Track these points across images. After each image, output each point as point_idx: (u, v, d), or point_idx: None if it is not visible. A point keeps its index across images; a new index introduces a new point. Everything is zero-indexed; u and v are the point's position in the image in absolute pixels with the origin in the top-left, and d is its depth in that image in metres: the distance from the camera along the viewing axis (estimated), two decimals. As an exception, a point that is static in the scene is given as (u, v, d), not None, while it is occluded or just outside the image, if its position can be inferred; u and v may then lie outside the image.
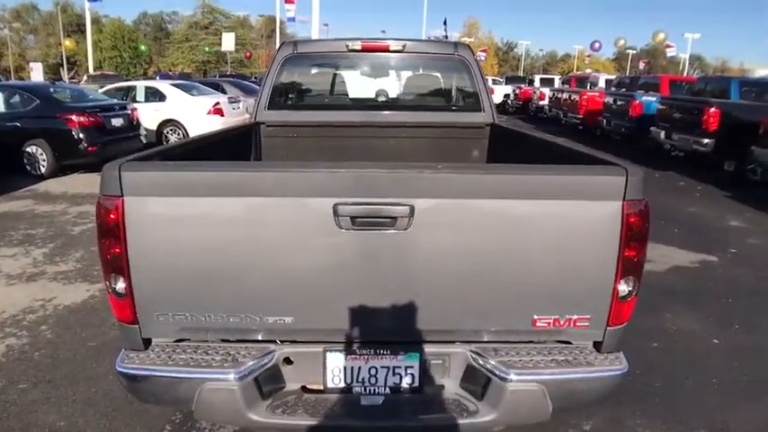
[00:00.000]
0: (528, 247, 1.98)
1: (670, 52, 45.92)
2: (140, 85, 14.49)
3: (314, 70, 4.72)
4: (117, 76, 30.58)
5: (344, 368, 2.11)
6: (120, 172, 1.90)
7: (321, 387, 2.15)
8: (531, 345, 2.16)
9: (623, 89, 18.27)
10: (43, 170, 9.95)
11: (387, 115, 4.42)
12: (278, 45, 4.69)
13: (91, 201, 8.44)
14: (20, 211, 7.84)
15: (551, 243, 1.97)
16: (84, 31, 37.90)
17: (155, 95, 13.67)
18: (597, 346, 2.16)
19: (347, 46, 4.16)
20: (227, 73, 39.74)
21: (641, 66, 52.87)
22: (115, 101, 11.76)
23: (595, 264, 2.00)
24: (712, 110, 10.36)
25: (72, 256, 5.90)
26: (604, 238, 1.97)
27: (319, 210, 1.89)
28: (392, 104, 4.67)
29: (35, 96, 10.16)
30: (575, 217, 1.96)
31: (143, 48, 49.85)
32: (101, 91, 13.60)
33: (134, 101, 13.13)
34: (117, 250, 1.95)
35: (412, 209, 1.89)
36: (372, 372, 2.12)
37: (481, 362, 2.07)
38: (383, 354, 2.11)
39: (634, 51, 58.38)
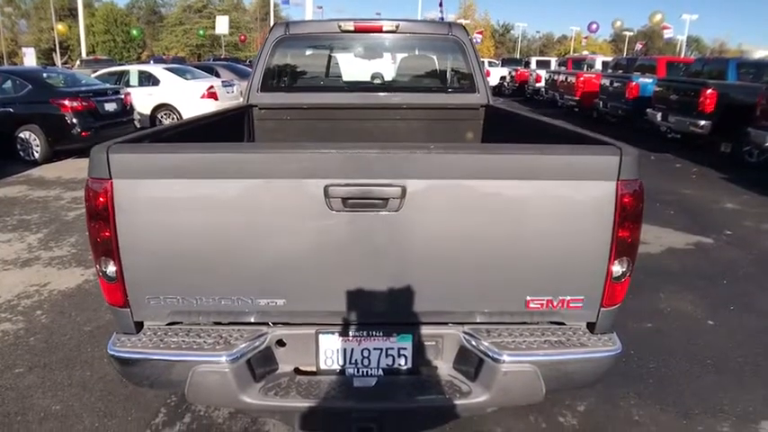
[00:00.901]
0: (521, 227, 1.96)
1: (667, 34, 45.60)
2: (133, 69, 14.39)
3: (307, 52, 4.67)
4: (110, 60, 30.35)
5: (337, 350, 2.11)
6: (107, 154, 1.87)
7: (314, 369, 2.15)
8: (524, 326, 2.16)
9: (620, 71, 18.19)
10: (37, 156, 9.89)
11: (381, 97, 4.39)
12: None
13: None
14: (14, 196, 7.81)
15: (544, 224, 1.95)
16: (76, 16, 37.50)
17: (148, 80, 13.59)
18: (591, 327, 2.16)
19: (340, 27, 4.11)
20: (222, 57, 39.45)
21: (638, 47, 52.53)
22: (108, 85, 11.65)
23: (589, 244, 1.99)
24: (709, 91, 10.31)
25: (66, 241, 5.89)
26: (598, 218, 1.96)
27: (310, 191, 1.88)
28: (386, 86, 4.63)
29: (27, 81, 10.07)
30: (568, 197, 1.94)
31: (136, 32, 49.28)
32: (94, 76, 13.48)
33: (127, 85, 13.05)
34: (106, 233, 1.93)
35: (404, 190, 1.87)
36: (365, 353, 2.11)
37: (474, 343, 2.07)
38: (376, 335, 2.10)
39: (631, 33, 58.04)
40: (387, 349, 2.11)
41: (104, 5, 54.32)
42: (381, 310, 2.07)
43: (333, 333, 2.10)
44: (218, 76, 15.78)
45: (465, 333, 2.10)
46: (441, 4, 38.59)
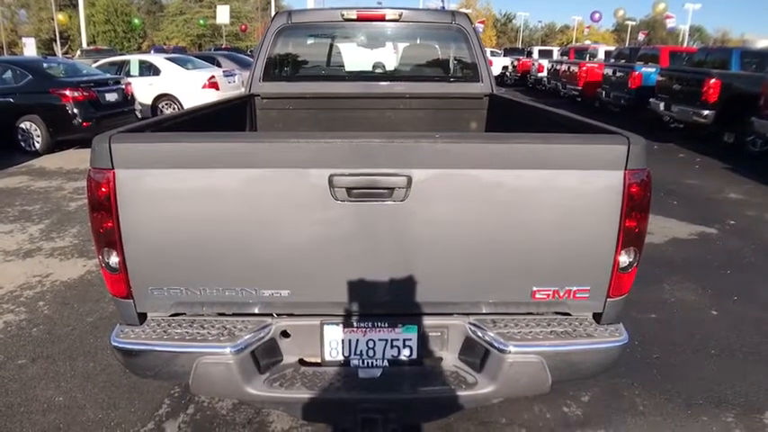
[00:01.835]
0: (527, 217, 1.94)
1: (670, 23, 45.33)
2: (134, 59, 14.34)
3: (309, 41, 4.64)
4: (111, 50, 30.19)
5: (342, 341, 2.10)
6: (110, 144, 1.85)
7: (319, 360, 2.14)
8: (529, 317, 2.14)
9: (622, 60, 18.09)
10: (38, 146, 9.87)
11: (383, 86, 4.36)
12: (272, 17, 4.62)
13: (86, 176, 8.37)
14: (15, 187, 7.80)
15: (551, 213, 1.93)
16: (76, 5, 37.31)
17: (149, 69, 13.55)
18: (597, 317, 2.14)
19: (342, 15, 4.08)
20: (222, 46, 39.30)
21: (640, 37, 52.21)
22: (109, 75, 11.63)
23: (596, 234, 1.97)
24: (712, 81, 10.25)
25: (68, 231, 5.88)
26: (605, 208, 1.94)
27: (315, 181, 1.86)
28: (389, 75, 4.61)
29: (28, 71, 10.03)
30: (575, 187, 1.92)
31: (136, 21, 48.99)
32: (94, 65, 13.43)
33: (128, 75, 12.99)
34: (109, 224, 1.92)
35: (409, 179, 1.85)
36: (370, 344, 2.10)
37: (480, 334, 2.05)
38: (381, 326, 2.09)
39: (634, 23, 57.68)
40: (392, 340, 2.10)
41: (105, -5, 54.06)
42: (386, 301, 2.06)
43: (337, 324, 2.09)
44: (219, 65, 15.75)
45: (470, 324, 2.09)
46: (442, -7, 38.35)
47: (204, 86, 12.88)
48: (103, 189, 1.88)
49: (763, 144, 9.69)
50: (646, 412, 2.99)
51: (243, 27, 52.88)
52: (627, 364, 3.30)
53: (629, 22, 55.72)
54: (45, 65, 10.85)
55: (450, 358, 2.16)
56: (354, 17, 4.08)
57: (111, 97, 10.56)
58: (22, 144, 9.88)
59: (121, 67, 13.71)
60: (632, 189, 1.91)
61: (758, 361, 3.51)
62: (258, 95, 4.22)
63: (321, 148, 1.88)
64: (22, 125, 9.79)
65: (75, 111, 9.66)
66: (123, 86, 10.99)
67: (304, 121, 4.29)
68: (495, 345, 2.00)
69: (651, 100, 12.39)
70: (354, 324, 2.09)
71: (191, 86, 12.96)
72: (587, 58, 22.76)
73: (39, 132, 9.80)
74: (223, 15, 40.23)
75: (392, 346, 2.10)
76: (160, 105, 13.20)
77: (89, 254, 5.20)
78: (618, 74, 14.97)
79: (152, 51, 27.80)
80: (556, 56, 27.46)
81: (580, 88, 17.57)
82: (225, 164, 1.88)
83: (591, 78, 17.00)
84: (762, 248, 5.62)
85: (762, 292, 4.54)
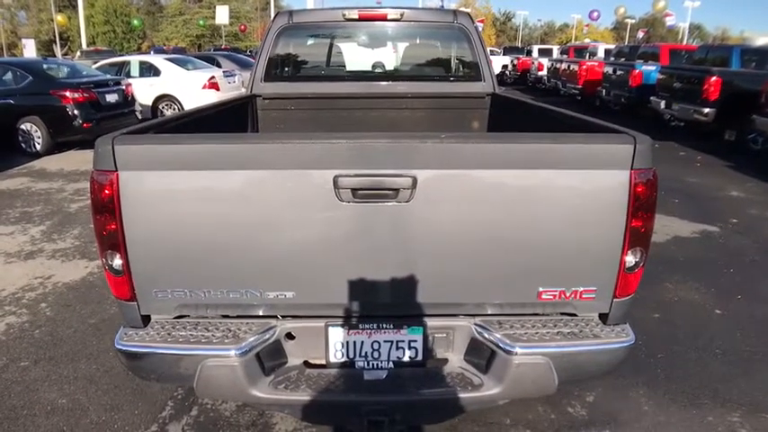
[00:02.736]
0: (533, 218, 1.93)
1: (669, 21, 45.36)
2: (134, 59, 14.32)
3: (310, 41, 4.63)
4: (111, 51, 30.17)
5: (347, 343, 2.09)
6: (113, 146, 1.84)
7: (324, 362, 2.13)
8: (535, 317, 2.13)
9: (622, 59, 18.08)
10: (38, 147, 9.86)
11: (385, 86, 4.36)
12: (272, 17, 4.61)
13: (87, 178, 8.30)
14: (16, 188, 7.79)
15: (557, 214, 1.92)
16: (75, 6, 37.30)
17: (149, 70, 13.52)
18: (603, 317, 2.14)
19: (344, 15, 4.08)
20: (222, 47, 39.27)
21: (639, 35, 52.17)
22: (109, 76, 11.60)
23: (602, 234, 1.97)
24: (713, 79, 10.23)
25: (70, 233, 5.87)
26: (611, 208, 1.93)
27: (319, 182, 1.85)
28: (391, 75, 4.60)
29: (28, 73, 10.02)
30: (581, 187, 1.91)
31: (136, 22, 48.88)
32: (94, 66, 13.42)
33: (128, 76, 12.97)
34: (112, 226, 1.91)
35: (414, 180, 1.84)
36: (375, 346, 2.09)
37: (486, 335, 2.04)
38: (386, 328, 2.08)
39: (633, 21, 57.72)
40: (397, 342, 2.09)
41: (104, -4, 53.95)
42: (391, 303, 2.05)
43: (342, 326, 2.08)
44: (219, 66, 15.72)
45: (476, 325, 2.08)
46: (441, -8, 38.33)
47: (204, 87, 12.85)
48: (106, 191, 1.87)
49: (765, 142, 9.68)
50: (651, 412, 2.98)
51: (242, 27, 52.86)
52: (631, 363, 3.28)
53: (629, 21, 55.74)
54: (45, 66, 10.83)
55: (455, 360, 2.15)
56: (356, 17, 4.07)
57: (112, 98, 10.55)
58: (23, 145, 9.87)
59: (122, 68, 13.69)
60: (638, 189, 1.90)
61: (763, 360, 3.50)
62: (260, 96, 4.21)
63: (326, 149, 1.87)
64: (23, 126, 9.78)
65: (76, 112, 9.65)
66: (123, 87, 10.97)
67: (305, 121, 4.28)
68: (502, 346, 1.99)
69: (652, 98, 12.39)
70: (359, 325, 2.08)
71: (191, 87, 12.93)
72: (587, 57, 22.74)
73: (39, 134, 9.79)
74: (222, 16, 40.24)
75: (397, 348, 2.09)
76: (160, 106, 13.17)
77: (90, 255, 5.19)
78: (618, 72, 14.97)
79: (152, 52, 27.78)
80: (556, 54, 27.47)
81: (580, 87, 17.57)
82: (229, 165, 1.87)
83: (591, 77, 17.01)
84: (765, 246, 5.61)
85: (766, 291, 4.53)
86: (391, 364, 2.11)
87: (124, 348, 2.03)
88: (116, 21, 49.88)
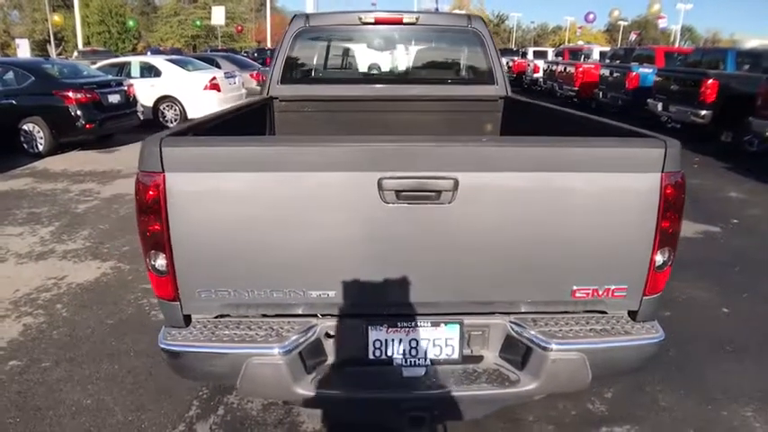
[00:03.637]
0: (568, 219, 1.99)
1: (662, 23, 45.71)
2: (135, 60, 14.27)
3: (326, 44, 4.67)
4: (108, 51, 30.08)
5: (385, 341, 2.13)
6: (161, 147, 1.88)
7: (363, 359, 2.17)
8: (567, 315, 2.19)
9: (617, 61, 18.21)
10: (41, 148, 9.84)
11: (400, 88, 4.41)
12: (268, 19, 4.63)
13: (92, 178, 8.39)
14: (21, 189, 7.79)
15: (591, 215, 1.99)
16: (69, 6, 37.13)
17: (150, 71, 13.47)
18: (632, 315, 2.20)
19: (360, 19, 4.12)
20: (218, 48, 39.19)
21: (632, 37, 52.47)
22: (111, 77, 11.58)
23: (634, 234, 2.03)
24: (710, 81, 10.35)
25: (79, 234, 5.88)
26: (643, 209, 1.99)
27: (364, 184, 1.89)
28: (405, 78, 4.65)
29: (30, 73, 9.99)
30: (614, 189, 1.98)
31: (131, 23, 48.65)
32: (95, 67, 13.38)
33: (128, 77, 12.93)
34: (157, 227, 1.94)
35: (456, 182, 1.90)
36: (413, 344, 2.14)
37: (521, 332, 2.10)
38: (424, 326, 2.13)
39: (625, 23, 58.00)
40: (434, 339, 2.14)
41: (99, -4, 53.57)
42: (429, 301, 2.10)
43: (381, 324, 2.12)
44: (218, 67, 15.70)
45: (511, 322, 2.14)
46: (435, -6, 38.41)
47: (206, 88, 12.81)
48: (152, 192, 1.90)
49: (761, 143, 9.79)
50: (668, 407, 3.05)
51: (238, 28, 52.77)
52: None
53: (621, 23, 56.04)
54: (47, 66, 10.81)
55: (490, 356, 2.20)
56: (372, 21, 4.12)
57: (114, 99, 10.54)
58: (25, 146, 9.85)
59: (122, 69, 13.65)
60: (668, 191, 1.97)
61: (773, 357, 3.58)
62: (276, 98, 4.25)
63: (371, 152, 1.92)
64: (25, 127, 9.76)
65: (79, 113, 9.64)
66: (126, 88, 10.97)
67: (322, 124, 4.32)
68: (538, 342, 2.05)
69: (649, 100, 12.49)
70: (398, 324, 2.13)
71: (192, 88, 12.89)
72: (582, 59, 22.89)
73: (42, 134, 9.77)
74: (218, 16, 40.19)
75: (434, 345, 2.14)
76: (161, 107, 13.13)
77: (102, 256, 5.21)
78: (615, 74, 15.09)
79: (148, 52, 27.68)
80: (551, 57, 27.59)
81: (576, 89, 17.69)
82: (273, 167, 1.92)
83: (587, 79, 17.14)
84: (766, 246, 5.70)
85: (771, 290, 4.61)
86: (429, 362, 2.16)
87: (170, 348, 2.06)
88: (111, 21, 49.57)
